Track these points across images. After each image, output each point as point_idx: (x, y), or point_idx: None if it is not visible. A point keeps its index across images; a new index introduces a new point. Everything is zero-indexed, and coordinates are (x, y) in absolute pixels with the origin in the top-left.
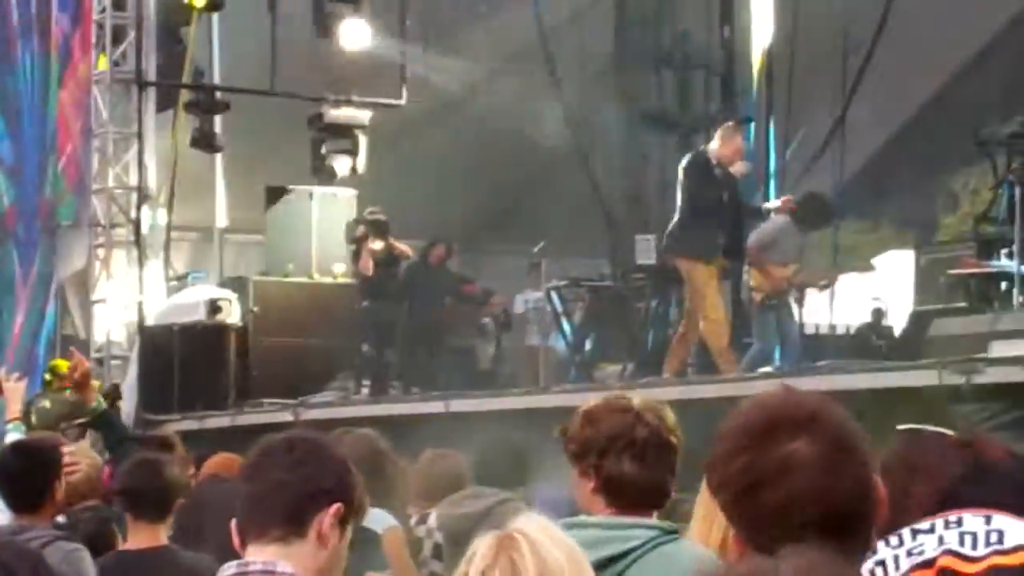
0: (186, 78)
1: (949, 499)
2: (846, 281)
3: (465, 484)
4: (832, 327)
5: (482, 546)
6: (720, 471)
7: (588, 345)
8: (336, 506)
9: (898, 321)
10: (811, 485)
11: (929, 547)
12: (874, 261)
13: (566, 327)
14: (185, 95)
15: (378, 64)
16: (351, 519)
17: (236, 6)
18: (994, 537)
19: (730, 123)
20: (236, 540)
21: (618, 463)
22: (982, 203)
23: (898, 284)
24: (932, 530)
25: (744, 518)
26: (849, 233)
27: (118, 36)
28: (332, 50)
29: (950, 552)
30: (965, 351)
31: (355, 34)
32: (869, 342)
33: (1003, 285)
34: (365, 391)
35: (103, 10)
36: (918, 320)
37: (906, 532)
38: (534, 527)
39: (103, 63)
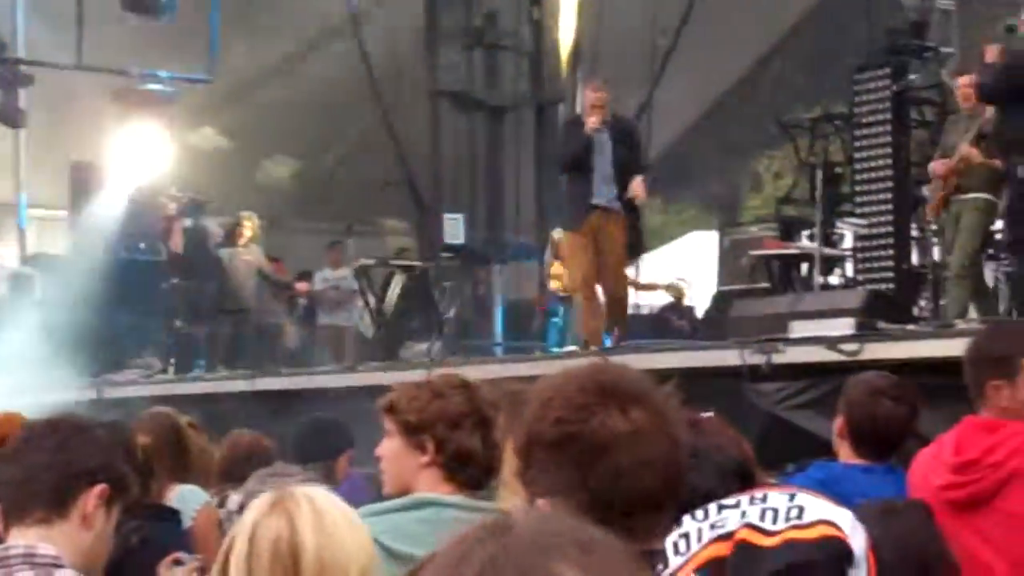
0: None
1: None
2: (650, 260)
3: (270, 463)
4: (635, 306)
5: (259, 500)
6: (544, 430)
7: (394, 324)
8: (101, 487)
9: (700, 301)
10: (645, 454)
11: (731, 521)
12: (679, 241)
13: (372, 306)
14: None
15: (186, 39)
16: (118, 500)
17: None
18: (794, 512)
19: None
20: None
21: (469, 438)
22: (785, 186)
23: (701, 264)
24: (737, 505)
25: (562, 475)
26: (654, 214)
27: None
28: (139, 24)
29: (749, 525)
30: (766, 331)
31: (164, 7)
32: (670, 322)
33: (804, 267)
34: (172, 369)
35: None
36: (721, 300)
37: (712, 506)
38: (316, 490)
39: None
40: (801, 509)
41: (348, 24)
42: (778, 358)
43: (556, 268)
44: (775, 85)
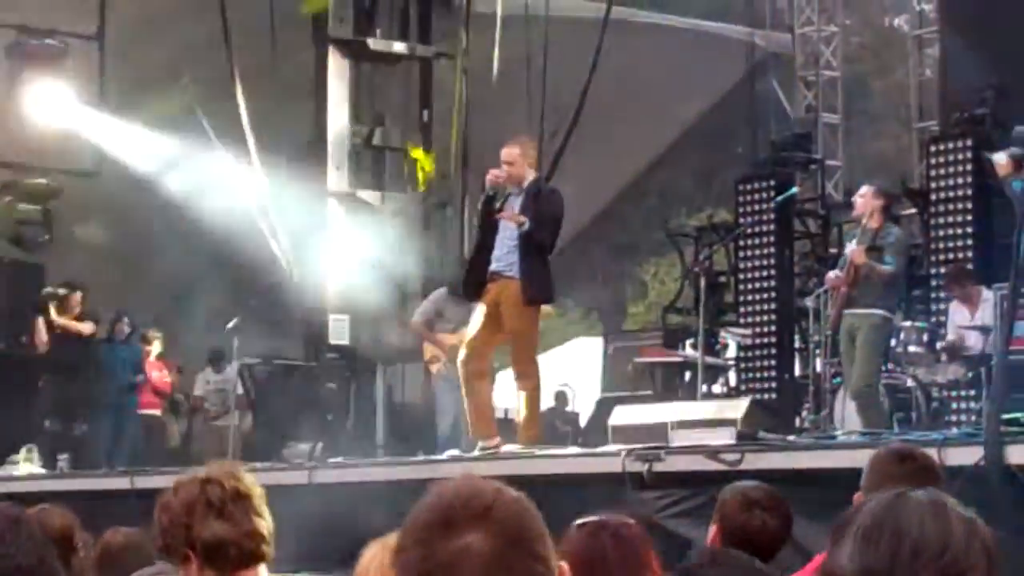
0: None
1: None
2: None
3: (149, 562)
4: (506, 411)
5: None
6: (399, 563)
7: (276, 424)
8: None
9: (584, 407)
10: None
11: None
12: (563, 347)
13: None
14: None
15: (72, 132)
16: None
17: None
18: None
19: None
20: None
21: (205, 526)
22: (667, 293)
23: (585, 370)
24: None
25: None
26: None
27: None
28: (24, 115)
29: None
30: (648, 439)
31: (49, 101)
32: (555, 427)
33: (687, 375)
34: (61, 465)
35: None
36: (604, 406)
37: None
38: None
39: None
40: None
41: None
42: (659, 466)
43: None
44: (662, 192)
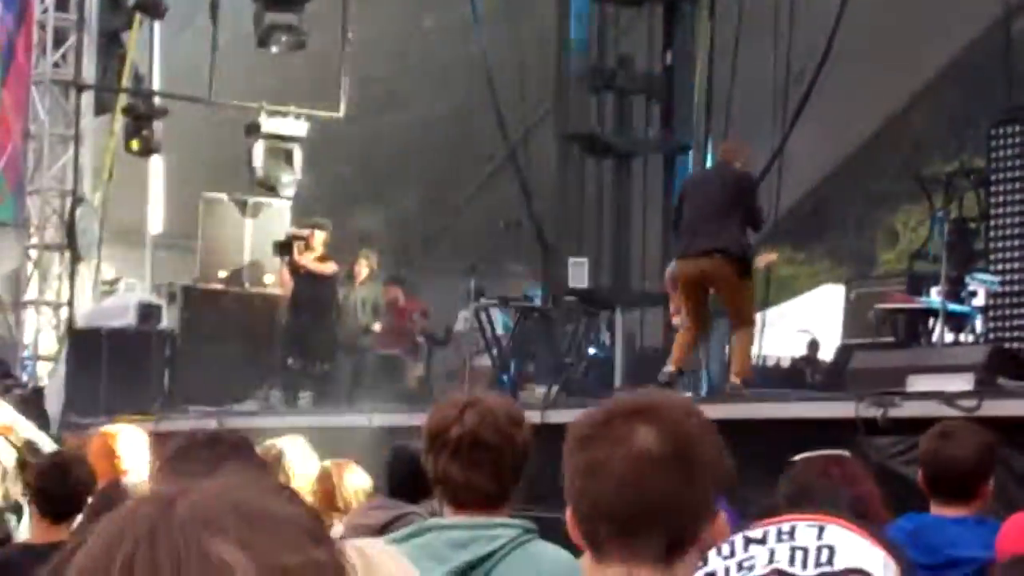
0: (125, 83)
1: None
2: (779, 312)
3: (371, 495)
4: (762, 357)
5: None
6: (566, 459)
7: (514, 366)
8: None
9: (828, 354)
10: (627, 465)
11: (760, 562)
12: (809, 294)
13: (494, 347)
14: (123, 100)
15: (317, 74)
16: None
17: (177, 13)
18: (824, 555)
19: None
20: None
21: (437, 462)
22: (920, 240)
23: (829, 317)
24: (764, 540)
25: (578, 505)
26: (784, 265)
27: (60, 37)
28: (272, 59)
29: (778, 571)
30: (885, 385)
31: (293, 44)
32: (804, 375)
33: (931, 322)
34: (302, 401)
35: (45, 10)
36: (844, 353)
37: (739, 540)
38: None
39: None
40: (831, 551)
41: (480, 60)
42: (894, 412)
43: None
44: (914, 138)
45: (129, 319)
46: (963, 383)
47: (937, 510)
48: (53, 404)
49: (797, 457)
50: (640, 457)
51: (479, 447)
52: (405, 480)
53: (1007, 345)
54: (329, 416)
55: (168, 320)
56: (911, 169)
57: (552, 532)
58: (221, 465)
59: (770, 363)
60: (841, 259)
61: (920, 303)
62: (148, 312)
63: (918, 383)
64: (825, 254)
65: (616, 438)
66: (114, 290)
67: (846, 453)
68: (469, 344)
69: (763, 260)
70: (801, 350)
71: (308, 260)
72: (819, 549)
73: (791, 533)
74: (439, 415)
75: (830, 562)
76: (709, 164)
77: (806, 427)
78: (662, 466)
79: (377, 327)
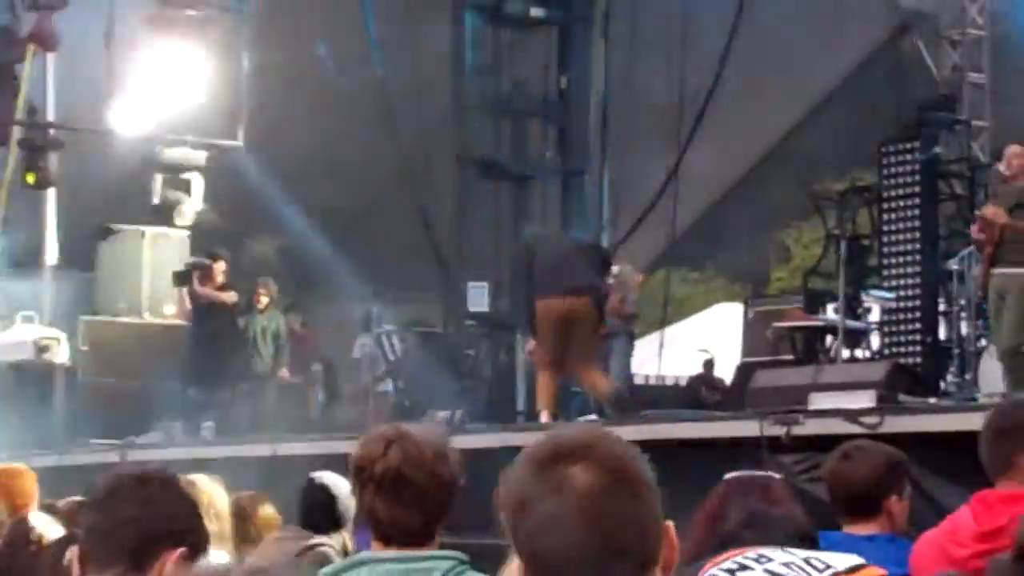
0: (20, 115)
1: (730, 542)
2: (676, 332)
3: (277, 527)
4: (660, 378)
5: None
6: (503, 493)
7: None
8: (182, 549)
9: (726, 373)
10: (579, 510)
11: None
12: (705, 313)
13: (396, 373)
14: (18, 132)
15: (213, 102)
16: (191, 564)
17: (72, 43)
18: (820, 563)
19: None
20: (75, 570)
21: (362, 496)
22: (811, 258)
23: (726, 336)
24: (747, 567)
25: (538, 561)
26: (681, 284)
27: None
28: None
29: None
30: (787, 403)
31: (193, 73)
32: (699, 393)
33: (828, 339)
34: (204, 432)
35: None
36: (745, 371)
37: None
38: None
39: None
40: (823, 561)
41: (376, 86)
42: (797, 430)
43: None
44: (805, 155)
45: (28, 353)
46: (865, 400)
47: (848, 528)
48: None
49: (727, 476)
50: (588, 495)
51: (403, 484)
52: (317, 511)
53: (902, 360)
54: (232, 446)
55: (67, 353)
56: (802, 187)
57: (481, 559)
58: (152, 503)
59: (668, 382)
60: (735, 277)
61: (818, 320)
62: (47, 345)
63: (820, 401)
64: (719, 272)
65: (555, 487)
66: (10, 323)
67: (775, 475)
68: (370, 370)
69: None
70: (697, 369)
71: (208, 289)
72: (807, 561)
73: (769, 558)
74: (365, 449)
75: (829, 567)
76: (605, 186)
77: (710, 446)
78: (611, 496)
79: (284, 372)
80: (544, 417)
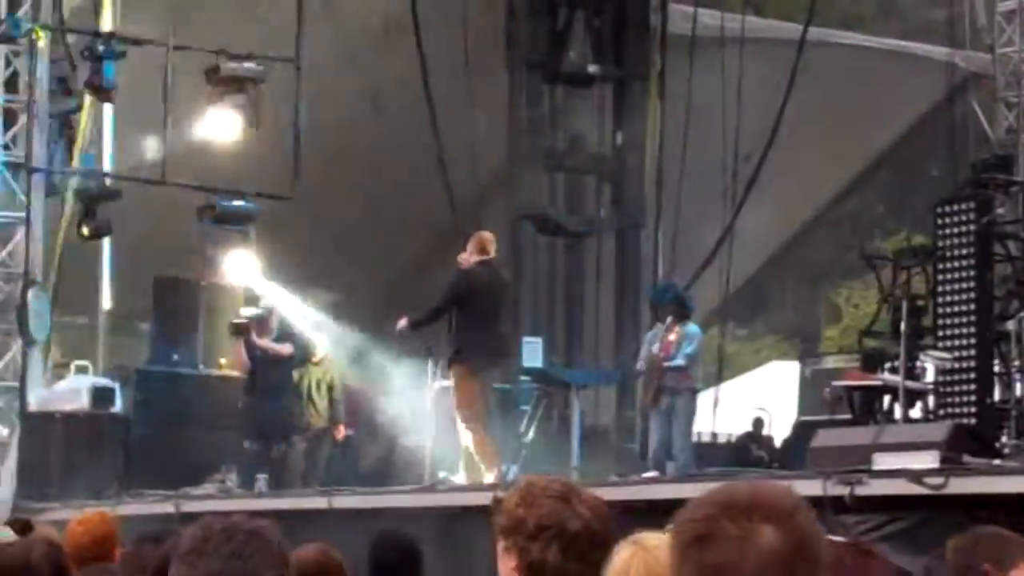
0: (76, 164)
1: None
2: (728, 389)
3: None
4: (713, 435)
5: None
6: (676, 558)
7: None
8: None
9: (779, 431)
10: (759, 567)
11: None
12: (757, 371)
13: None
14: (74, 181)
15: (267, 155)
16: None
17: (129, 94)
18: None
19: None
20: None
21: (543, 552)
22: (861, 316)
23: (780, 394)
24: None
25: (680, 571)
26: (732, 341)
27: (9, 120)
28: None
29: None
30: (849, 462)
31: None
32: (750, 451)
33: (886, 399)
34: (258, 484)
35: None
36: (802, 430)
37: None
38: None
39: None
40: None
41: (429, 139)
42: (861, 490)
43: None
44: (855, 216)
45: (82, 402)
46: (929, 460)
47: None
48: (5, 489)
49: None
50: (768, 556)
51: (592, 542)
52: (393, 567)
53: (958, 421)
54: (288, 499)
55: (122, 403)
56: (850, 248)
57: None
58: (240, 557)
59: (720, 440)
60: (784, 335)
61: (876, 380)
62: (101, 395)
63: (883, 461)
64: (768, 330)
65: (742, 537)
66: (65, 373)
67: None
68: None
69: None
70: (746, 426)
71: (266, 341)
72: None
73: None
74: (548, 505)
75: None
76: (660, 242)
77: None
78: (788, 566)
79: (340, 428)
80: (495, 476)
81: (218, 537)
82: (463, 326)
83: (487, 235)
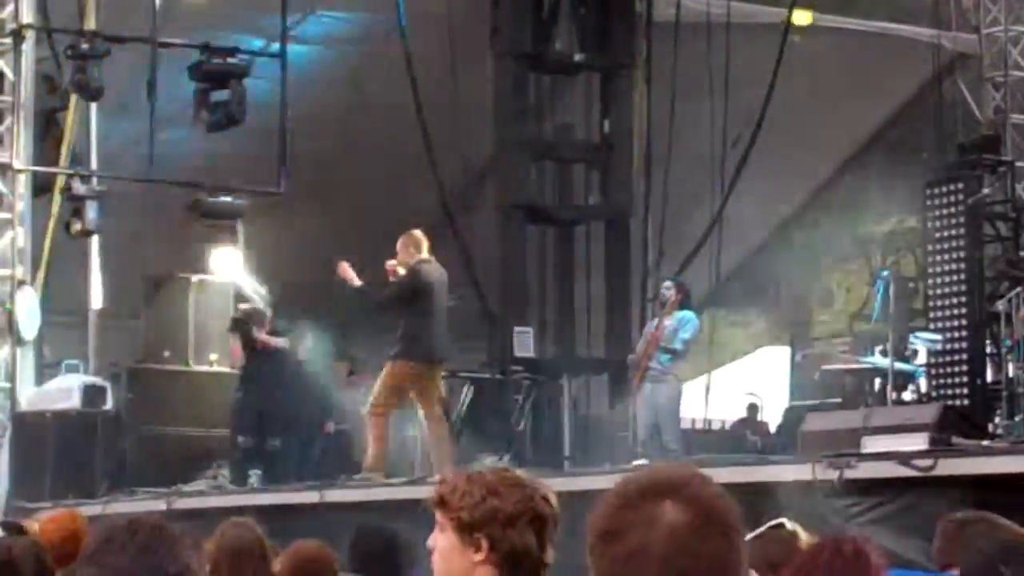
0: (63, 164)
1: None
2: (721, 376)
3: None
4: (707, 422)
5: None
6: (591, 523)
7: (465, 436)
8: None
9: (773, 416)
10: (667, 545)
11: None
12: (749, 357)
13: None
14: (61, 181)
15: (255, 150)
16: None
17: (115, 92)
18: None
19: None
20: None
21: (522, 536)
22: (855, 300)
23: (773, 380)
24: None
25: (596, 565)
26: (724, 328)
27: None
28: (210, 137)
29: None
30: (839, 446)
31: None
32: (744, 437)
33: (876, 382)
34: (251, 480)
35: None
36: (792, 415)
37: None
38: None
39: None
40: None
41: (414, 131)
42: (850, 473)
43: None
44: (847, 199)
45: (74, 401)
46: (918, 443)
47: None
48: None
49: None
50: (676, 533)
51: (555, 525)
52: (375, 561)
53: (950, 402)
54: (278, 493)
55: (113, 401)
56: (843, 232)
57: None
58: (148, 550)
59: (714, 426)
60: (776, 320)
61: (866, 363)
62: (92, 394)
63: (873, 444)
64: (761, 316)
65: (644, 521)
66: (55, 372)
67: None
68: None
69: None
70: (740, 413)
71: (263, 335)
72: None
73: None
74: (517, 492)
75: None
76: (649, 231)
77: (763, 490)
78: (699, 535)
79: (330, 424)
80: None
81: (123, 534)
82: (414, 324)
83: (419, 233)
